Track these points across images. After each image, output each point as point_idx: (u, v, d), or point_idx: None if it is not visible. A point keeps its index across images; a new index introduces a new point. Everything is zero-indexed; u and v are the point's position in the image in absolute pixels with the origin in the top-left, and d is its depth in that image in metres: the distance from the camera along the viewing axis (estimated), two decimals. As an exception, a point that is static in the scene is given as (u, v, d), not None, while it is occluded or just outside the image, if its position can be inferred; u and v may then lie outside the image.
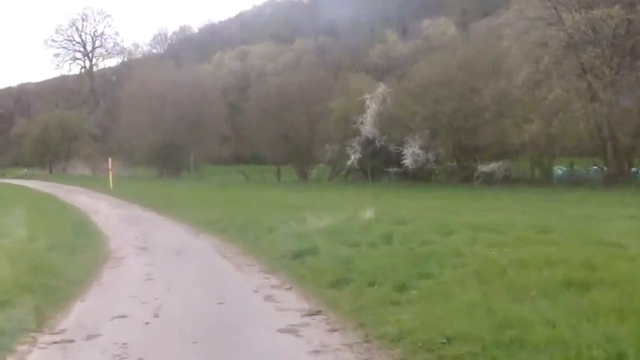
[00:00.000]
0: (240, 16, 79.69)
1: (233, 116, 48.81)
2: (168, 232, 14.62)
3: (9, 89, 74.04)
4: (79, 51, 68.86)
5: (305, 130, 39.41)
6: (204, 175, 46.07)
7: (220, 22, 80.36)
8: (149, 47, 74.99)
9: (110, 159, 35.26)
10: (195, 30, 79.81)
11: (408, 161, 32.62)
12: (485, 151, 31.48)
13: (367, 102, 34.53)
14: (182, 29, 79.11)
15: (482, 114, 30.34)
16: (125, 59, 70.19)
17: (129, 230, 14.73)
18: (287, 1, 76.12)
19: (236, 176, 45.05)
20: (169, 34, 77.89)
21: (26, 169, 59.07)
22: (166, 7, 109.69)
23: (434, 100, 31.68)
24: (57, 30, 68.99)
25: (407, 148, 32.66)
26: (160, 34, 77.80)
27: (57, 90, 68.17)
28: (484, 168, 31.06)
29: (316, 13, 65.98)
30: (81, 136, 59.58)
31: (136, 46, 75.04)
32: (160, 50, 74.63)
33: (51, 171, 60.19)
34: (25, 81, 78.44)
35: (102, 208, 21.19)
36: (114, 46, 70.07)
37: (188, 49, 70.56)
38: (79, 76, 69.41)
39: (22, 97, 72.76)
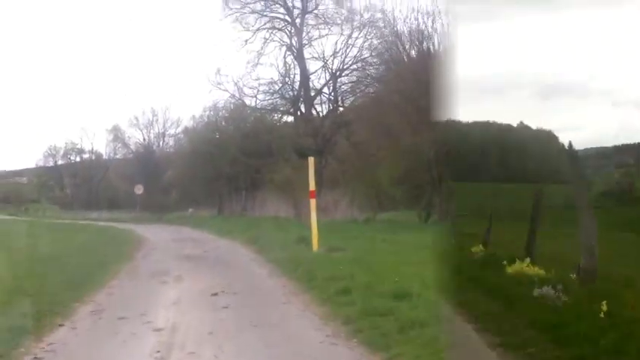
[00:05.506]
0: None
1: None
2: None
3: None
4: (281, 19, 37.56)
5: None
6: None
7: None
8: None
9: (311, 160, 14.78)
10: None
11: None
12: None
13: None
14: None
15: None
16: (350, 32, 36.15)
17: None
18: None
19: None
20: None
21: (191, 209, 40.45)
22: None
23: None
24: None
25: None
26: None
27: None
28: None
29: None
30: (279, 150, 32.35)
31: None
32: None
33: (221, 211, 37.25)
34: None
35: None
36: (335, 9, 36.73)
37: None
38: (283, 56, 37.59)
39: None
